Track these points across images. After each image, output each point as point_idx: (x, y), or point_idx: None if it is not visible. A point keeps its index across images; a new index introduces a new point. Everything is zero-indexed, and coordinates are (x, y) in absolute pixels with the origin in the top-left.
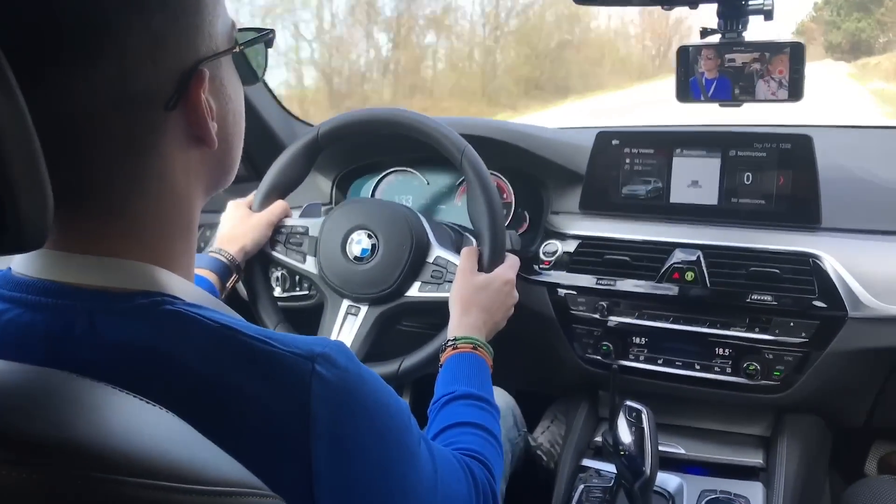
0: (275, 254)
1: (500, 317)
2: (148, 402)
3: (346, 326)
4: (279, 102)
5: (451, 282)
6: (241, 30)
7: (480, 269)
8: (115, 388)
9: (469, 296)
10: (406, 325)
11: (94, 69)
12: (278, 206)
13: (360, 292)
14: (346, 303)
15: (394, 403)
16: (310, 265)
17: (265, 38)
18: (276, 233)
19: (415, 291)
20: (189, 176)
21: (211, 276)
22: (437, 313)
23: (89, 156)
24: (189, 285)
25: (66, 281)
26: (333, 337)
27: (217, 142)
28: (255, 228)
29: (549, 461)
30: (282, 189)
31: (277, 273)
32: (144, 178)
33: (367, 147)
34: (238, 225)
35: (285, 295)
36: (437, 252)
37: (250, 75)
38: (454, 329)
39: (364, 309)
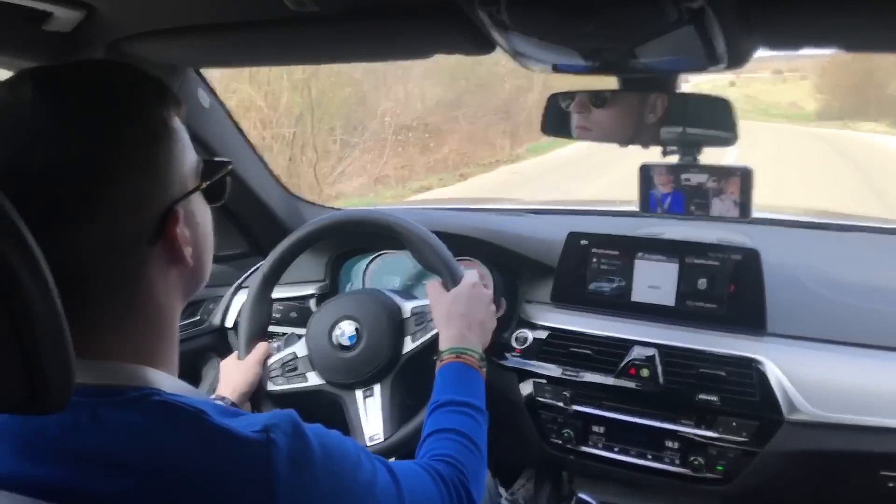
0: (277, 388)
1: (483, 316)
2: None
3: (371, 411)
4: (281, 183)
5: (433, 320)
6: (205, 161)
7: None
8: None
9: (446, 310)
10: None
11: (91, 226)
12: (260, 347)
13: (364, 374)
14: (358, 392)
15: (340, 449)
16: (313, 380)
17: (224, 172)
18: (271, 371)
19: (409, 345)
20: (169, 291)
21: None
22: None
23: (90, 287)
24: (171, 378)
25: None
26: (363, 422)
27: (192, 261)
28: (243, 370)
29: None
30: (258, 332)
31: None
32: (135, 300)
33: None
34: (229, 373)
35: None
36: (409, 305)
37: (216, 198)
38: (440, 344)
39: (377, 388)
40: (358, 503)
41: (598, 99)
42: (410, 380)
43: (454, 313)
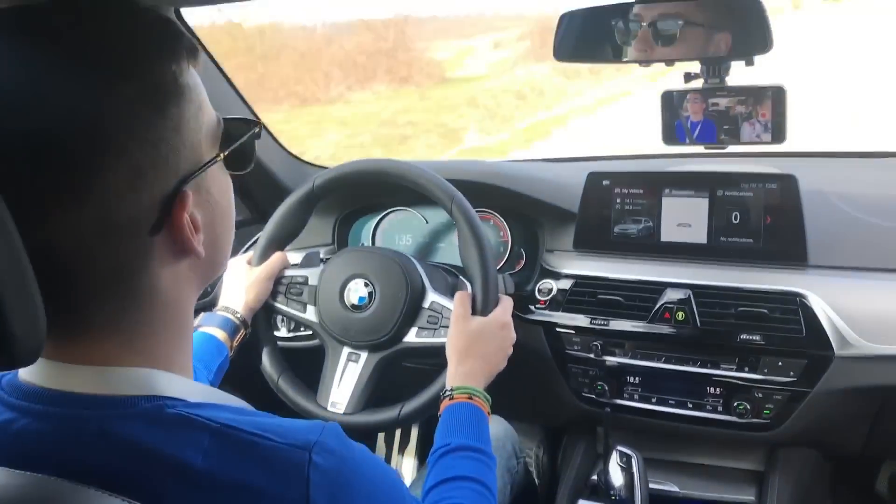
0: (276, 304)
1: (498, 360)
2: None
3: (348, 373)
4: (280, 145)
5: (446, 327)
6: (227, 120)
7: (475, 312)
8: (113, 495)
9: (464, 344)
10: (408, 363)
11: (76, 209)
12: (277, 258)
13: (358, 340)
14: (346, 350)
15: (387, 480)
16: (310, 314)
17: (251, 135)
18: (277, 283)
19: (412, 337)
20: (179, 284)
21: (220, 335)
22: (435, 357)
23: (80, 282)
24: (188, 384)
25: (71, 390)
26: (335, 383)
27: (205, 249)
28: (256, 283)
29: None
30: (280, 241)
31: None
32: (135, 296)
33: (367, 189)
34: (240, 282)
35: (291, 335)
36: (432, 297)
37: (240, 166)
38: (451, 379)
39: (364, 355)
40: None
41: (664, 38)
42: (396, 367)
43: (473, 351)
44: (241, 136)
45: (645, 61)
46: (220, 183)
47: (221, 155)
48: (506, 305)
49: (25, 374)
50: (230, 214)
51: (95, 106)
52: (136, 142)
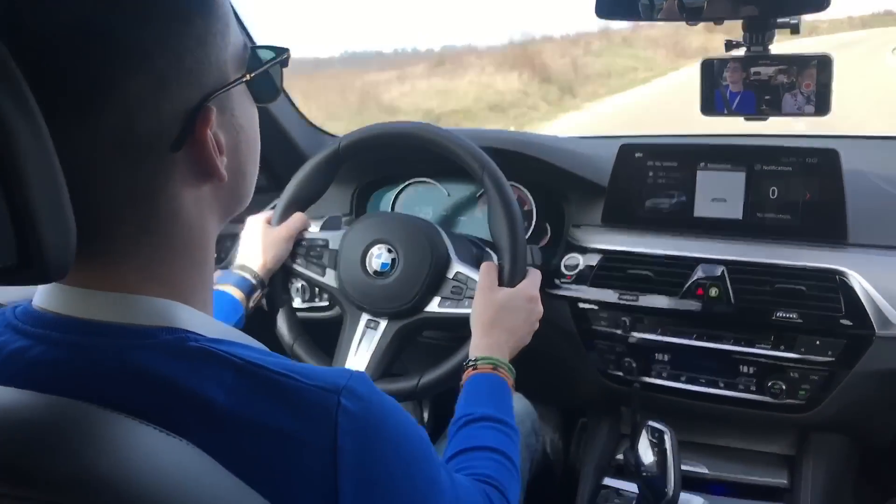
0: (295, 266)
1: (524, 333)
2: (171, 435)
3: (366, 340)
4: (299, 111)
5: (471, 297)
6: (254, 47)
7: (501, 284)
8: (138, 420)
9: (490, 315)
10: (426, 338)
11: (95, 119)
12: (297, 219)
13: (379, 307)
14: (365, 317)
15: (416, 433)
16: (329, 278)
17: (280, 60)
18: (297, 245)
19: (434, 307)
20: (202, 209)
21: (237, 294)
22: (457, 329)
23: (97, 200)
24: (209, 320)
25: (88, 317)
26: (352, 350)
27: (228, 174)
28: (275, 244)
29: None
30: (302, 202)
31: (298, 284)
32: (155, 218)
33: (387, 158)
34: (259, 241)
35: (305, 306)
36: (457, 267)
37: (265, 96)
38: (475, 349)
39: (383, 323)
40: (419, 497)
41: (689, 11)
42: (416, 337)
43: (499, 323)
44: (268, 62)
45: (691, 20)
46: (245, 109)
47: (248, 76)
48: (534, 278)
49: (40, 301)
50: (255, 145)
51: (116, 8)
52: (158, 49)
